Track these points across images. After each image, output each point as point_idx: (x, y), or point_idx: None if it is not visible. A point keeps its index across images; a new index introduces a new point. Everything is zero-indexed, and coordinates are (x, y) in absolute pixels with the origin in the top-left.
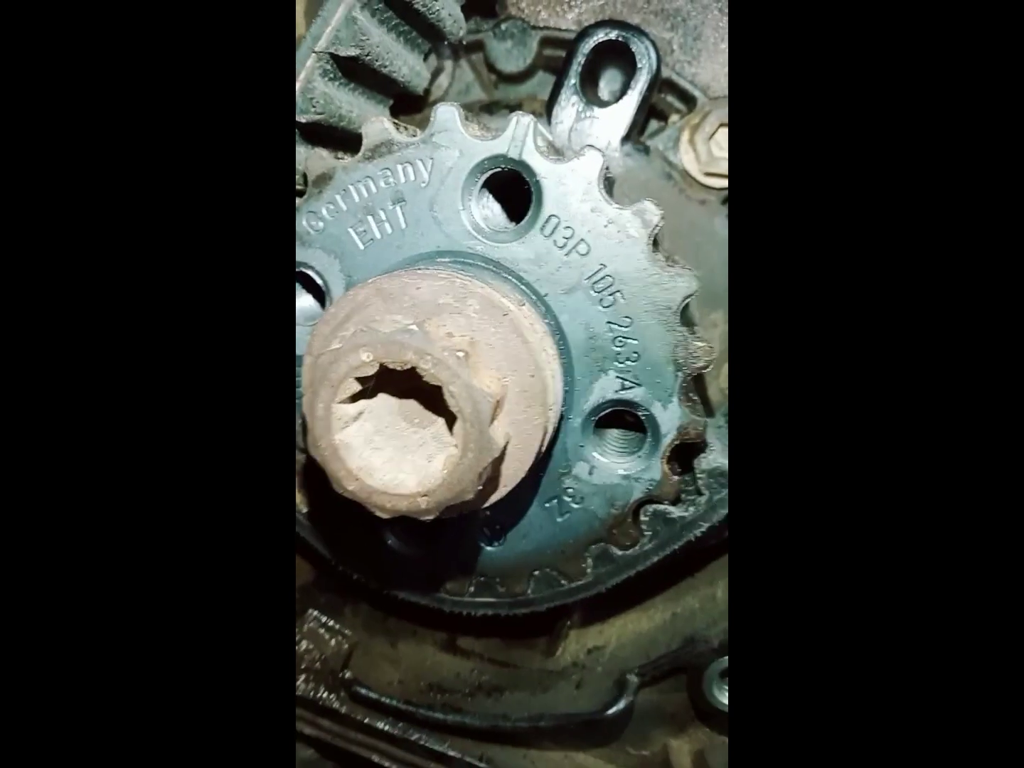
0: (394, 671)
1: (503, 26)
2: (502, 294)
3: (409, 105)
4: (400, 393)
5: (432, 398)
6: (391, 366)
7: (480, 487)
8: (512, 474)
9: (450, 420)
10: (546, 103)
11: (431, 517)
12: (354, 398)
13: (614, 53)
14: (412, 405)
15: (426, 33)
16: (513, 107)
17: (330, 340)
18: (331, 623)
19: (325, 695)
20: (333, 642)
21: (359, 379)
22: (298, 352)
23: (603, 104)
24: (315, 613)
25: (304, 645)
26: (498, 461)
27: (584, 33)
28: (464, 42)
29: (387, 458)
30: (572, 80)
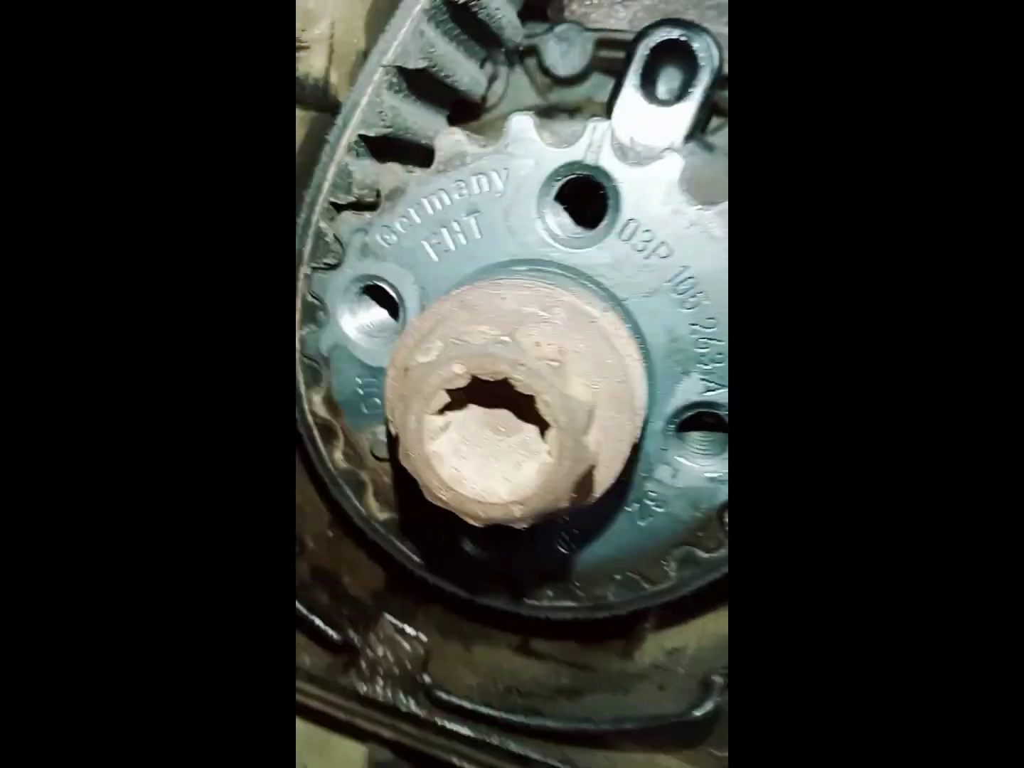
0: (472, 675)
1: (557, 29)
2: (585, 301)
3: (465, 113)
4: (483, 402)
5: (517, 406)
6: (483, 377)
7: (574, 495)
8: (601, 480)
9: (541, 428)
10: (606, 104)
11: (524, 525)
12: (442, 410)
13: (672, 51)
14: (495, 413)
15: (485, 41)
16: (572, 111)
17: (414, 353)
18: (405, 628)
19: (404, 699)
20: (408, 647)
21: (449, 391)
22: (374, 364)
23: (664, 103)
24: (390, 618)
25: (381, 650)
26: (591, 468)
27: (644, 33)
28: (520, 47)
29: (475, 467)
30: (633, 81)
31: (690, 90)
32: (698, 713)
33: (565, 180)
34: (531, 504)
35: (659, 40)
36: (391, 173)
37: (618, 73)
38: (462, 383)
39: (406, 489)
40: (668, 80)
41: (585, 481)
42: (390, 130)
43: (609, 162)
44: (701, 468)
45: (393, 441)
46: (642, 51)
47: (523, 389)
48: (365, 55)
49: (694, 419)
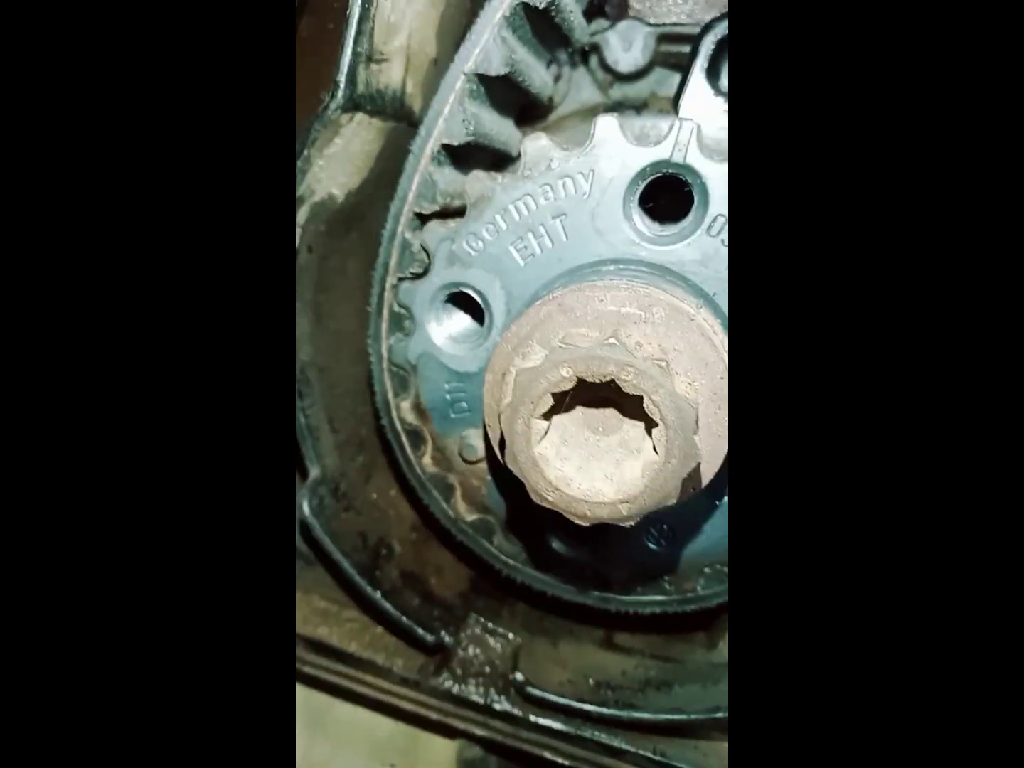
0: (561, 671)
1: (619, 26)
2: (680, 299)
3: (530, 115)
4: (582, 403)
5: (618, 405)
6: (590, 380)
7: (681, 492)
8: (704, 476)
9: (647, 426)
10: (673, 99)
11: (631, 523)
12: (547, 413)
13: None
14: (592, 413)
15: (554, 43)
16: (639, 107)
17: (512, 357)
18: (492, 626)
19: (497, 697)
20: (497, 645)
21: (555, 394)
22: (461, 370)
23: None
24: (477, 617)
25: (472, 650)
26: (698, 465)
27: (709, 26)
28: (585, 47)
29: (577, 467)
30: (700, 74)
31: None
32: None
33: (651, 179)
34: (639, 502)
35: (724, 34)
36: (477, 180)
37: (681, 67)
38: (568, 386)
39: (496, 490)
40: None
41: (692, 477)
42: (472, 138)
43: (697, 160)
44: None
45: (489, 444)
46: (708, 44)
47: (631, 390)
48: (436, 63)
49: None
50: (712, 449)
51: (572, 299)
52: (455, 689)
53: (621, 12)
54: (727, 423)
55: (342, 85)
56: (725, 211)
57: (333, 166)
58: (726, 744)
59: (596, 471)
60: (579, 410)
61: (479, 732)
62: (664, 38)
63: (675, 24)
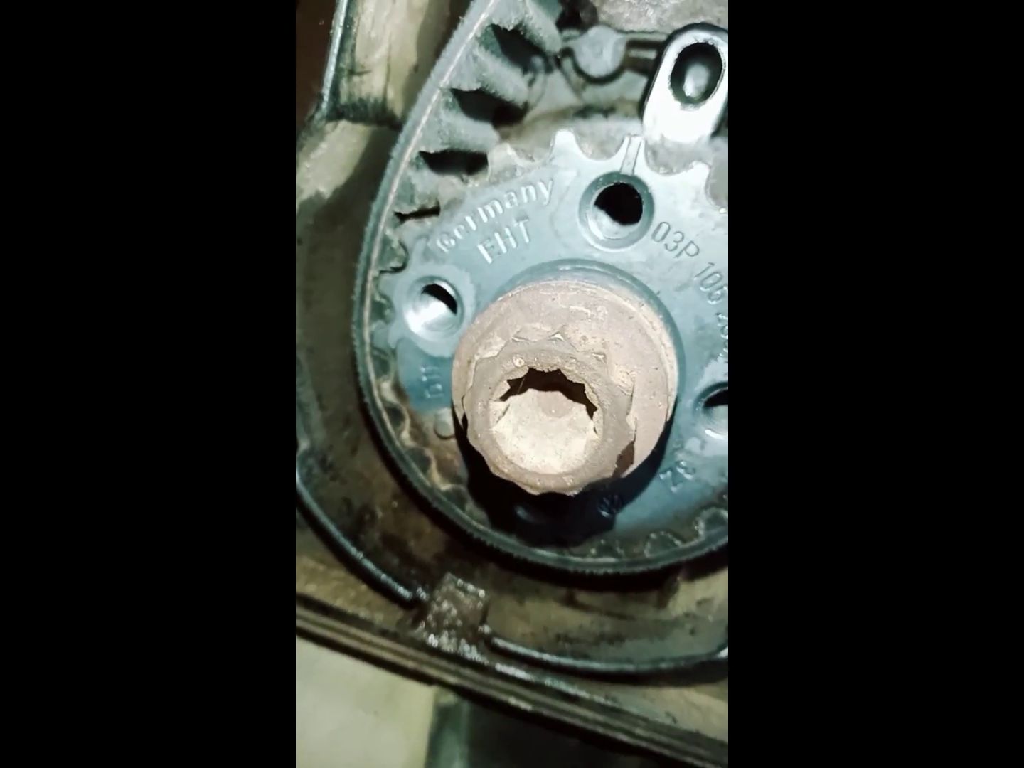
0: (525, 625)
1: (590, 32)
2: (623, 297)
3: (507, 116)
4: (538, 388)
5: (567, 391)
6: (539, 369)
7: (617, 466)
8: (639, 453)
9: (589, 409)
10: (638, 104)
11: (575, 493)
12: (504, 396)
13: (699, 51)
14: (548, 397)
15: (527, 55)
16: (606, 111)
17: (477, 347)
18: (464, 584)
19: (467, 648)
20: (469, 602)
21: (510, 380)
22: (435, 355)
23: (691, 101)
24: (452, 577)
25: (445, 605)
26: (632, 444)
27: (672, 37)
28: (557, 55)
29: (531, 444)
30: (663, 82)
31: (716, 89)
32: (724, 654)
33: (604, 188)
34: (581, 475)
35: (687, 44)
36: (449, 185)
37: (648, 72)
38: (521, 374)
39: (467, 463)
40: (695, 77)
41: (626, 454)
42: (448, 146)
43: (644, 172)
44: (726, 439)
45: (458, 422)
46: (671, 54)
47: (573, 378)
48: (416, 69)
49: (720, 396)
50: (647, 430)
51: (528, 297)
52: (430, 640)
53: (593, 18)
54: (662, 408)
55: (326, 97)
56: (669, 219)
57: (319, 167)
58: (672, 692)
59: (548, 448)
60: (536, 395)
61: (451, 680)
62: (633, 44)
63: (643, 32)
